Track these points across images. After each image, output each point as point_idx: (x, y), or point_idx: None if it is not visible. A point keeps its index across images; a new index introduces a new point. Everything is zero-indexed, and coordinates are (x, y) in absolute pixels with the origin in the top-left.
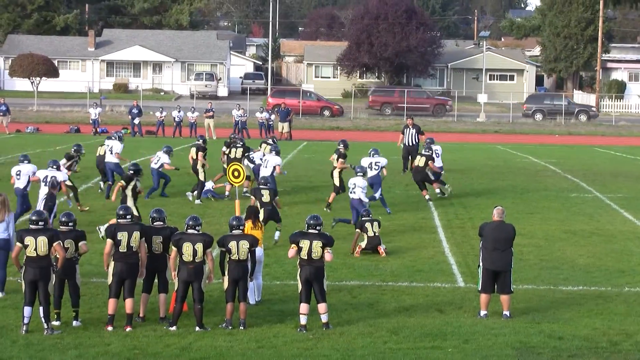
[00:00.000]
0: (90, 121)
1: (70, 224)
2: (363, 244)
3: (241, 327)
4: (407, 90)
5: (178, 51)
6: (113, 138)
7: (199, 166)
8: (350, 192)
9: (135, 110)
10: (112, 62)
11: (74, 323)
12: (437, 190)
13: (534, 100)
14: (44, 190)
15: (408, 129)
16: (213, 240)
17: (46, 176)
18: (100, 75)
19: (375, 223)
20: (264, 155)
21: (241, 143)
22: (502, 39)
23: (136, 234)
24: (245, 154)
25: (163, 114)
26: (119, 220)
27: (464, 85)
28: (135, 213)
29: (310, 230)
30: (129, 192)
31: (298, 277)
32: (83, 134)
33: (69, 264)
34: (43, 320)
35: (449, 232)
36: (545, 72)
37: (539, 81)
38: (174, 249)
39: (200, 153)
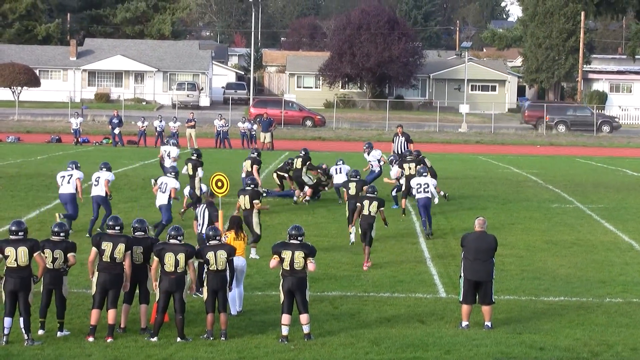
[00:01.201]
0: (72, 131)
1: (61, 234)
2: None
3: (222, 338)
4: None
5: (160, 61)
6: (170, 144)
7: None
8: (418, 192)
9: (115, 120)
10: (93, 71)
11: (58, 334)
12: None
13: (557, 111)
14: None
15: (397, 137)
16: (195, 251)
17: (98, 177)
18: (81, 84)
19: (375, 203)
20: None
21: (303, 153)
22: (484, 50)
23: (121, 246)
24: (307, 163)
25: (145, 124)
26: (107, 230)
27: (446, 96)
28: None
29: (292, 241)
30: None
31: (280, 288)
32: (64, 144)
33: (57, 274)
34: (23, 331)
35: (431, 243)
36: (526, 83)
37: (521, 92)
38: (155, 259)
39: (255, 166)
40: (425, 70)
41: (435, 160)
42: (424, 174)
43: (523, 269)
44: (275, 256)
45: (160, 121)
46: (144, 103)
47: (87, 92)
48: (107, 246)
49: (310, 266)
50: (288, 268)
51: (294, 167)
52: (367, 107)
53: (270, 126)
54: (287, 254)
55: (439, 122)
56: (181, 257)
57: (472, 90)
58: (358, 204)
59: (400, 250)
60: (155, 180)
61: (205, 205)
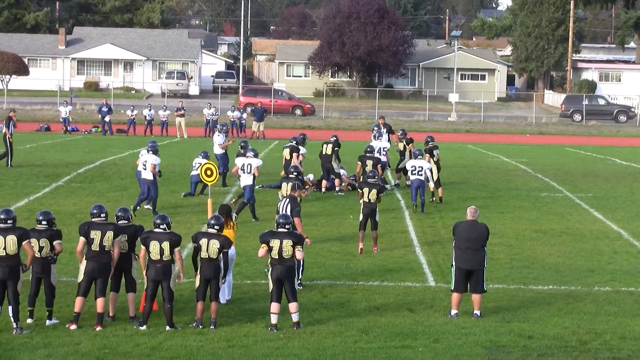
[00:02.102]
0: (61, 119)
1: (44, 222)
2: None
3: (212, 327)
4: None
5: (149, 49)
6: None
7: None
8: (412, 174)
9: (105, 109)
10: (82, 60)
11: (47, 322)
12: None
13: (573, 101)
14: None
15: (379, 128)
16: (181, 239)
17: (145, 161)
18: (70, 73)
19: (374, 190)
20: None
21: (334, 139)
22: (474, 39)
23: (109, 234)
24: (336, 149)
25: (134, 113)
26: (92, 219)
27: (436, 85)
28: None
29: (280, 230)
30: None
31: (269, 276)
32: (53, 132)
33: (44, 262)
34: (12, 320)
35: (420, 232)
36: (516, 72)
37: (510, 81)
38: (142, 247)
39: (294, 154)
40: (415, 59)
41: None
42: (419, 156)
43: (512, 257)
44: (263, 245)
45: (150, 110)
46: (133, 92)
47: (76, 81)
48: (95, 235)
49: (298, 254)
50: (277, 257)
51: (324, 152)
52: (356, 96)
53: (263, 115)
54: (275, 243)
55: (429, 111)
56: (166, 245)
57: (461, 79)
58: (359, 190)
59: (389, 239)
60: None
61: (288, 199)
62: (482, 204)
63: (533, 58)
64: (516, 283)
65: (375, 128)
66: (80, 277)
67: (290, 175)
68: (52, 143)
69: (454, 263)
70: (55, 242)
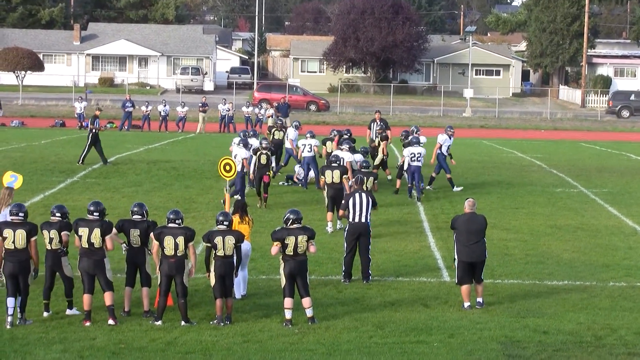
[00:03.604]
0: (76, 115)
1: (57, 215)
2: None
3: (227, 322)
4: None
5: (164, 45)
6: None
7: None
8: (412, 161)
9: (129, 104)
10: (97, 56)
11: (68, 311)
12: (389, 177)
13: (621, 97)
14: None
15: (375, 123)
16: (195, 234)
17: (235, 155)
18: (85, 69)
19: (371, 178)
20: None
21: (335, 133)
22: (488, 34)
23: (96, 231)
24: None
25: (149, 109)
26: (87, 215)
27: (450, 80)
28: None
29: (292, 225)
30: None
31: (282, 272)
32: (68, 128)
33: (54, 255)
34: (18, 310)
35: (435, 227)
36: (531, 67)
37: (525, 76)
38: (155, 242)
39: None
40: (430, 54)
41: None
42: (416, 144)
43: (527, 253)
44: (276, 243)
45: (165, 105)
46: (148, 87)
47: (90, 77)
48: (83, 232)
49: (312, 248)
50: (291, 253)
51: (327, 150)
52: (371, 92)
53: (288, 111)
54: (291, 240)
55: (443, 106)
56: (180, 240)
57: (476, 74)
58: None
59: (404, 235)
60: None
61: (364, 192)
62: (497, 200)
63: (548, 53)
64: (531, 278)
65: (414, 139)
66: (80, 274)
67: (333, 164)
68: (68, 139)
69: (456, 257)
70: (62, 233)
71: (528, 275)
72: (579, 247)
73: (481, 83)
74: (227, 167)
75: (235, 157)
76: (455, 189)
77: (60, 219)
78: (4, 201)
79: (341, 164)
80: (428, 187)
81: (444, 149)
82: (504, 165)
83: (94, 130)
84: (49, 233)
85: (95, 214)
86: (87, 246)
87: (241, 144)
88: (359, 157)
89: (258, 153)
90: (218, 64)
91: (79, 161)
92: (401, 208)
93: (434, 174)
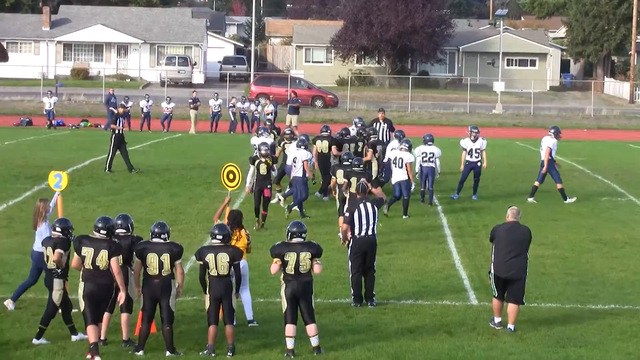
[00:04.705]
0: (44, 112)
1: (58, 229)
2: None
3: (229, 354)
4: None
5: (147, 31)
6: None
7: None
8: (423, 161)
9: (113, 100)
10: (69, 43)
11: (73, 338)
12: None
13: None
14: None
15: (378, 124)
16: (182, 250)
17: (295, 157)
18: (56, 59)
19: (362, 179)
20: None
21: (328, 132)
22: (522, 18)
23: (103, 253)
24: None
25: (129, 105)
26: (94, 233)
27: (478, 72)
28: None
29: (294, 240)
30: None
31: (282, 294)
32: (36, 127)
33: (49, 274)
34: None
35: (460, 242)
36: (571, 57)
37: (565, 67)
38: (137, 260)
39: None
40: (454, 42)
41: None
42: (430, 142)
43: (567, 272)
44: (276, 260)
45: (147, 101)
46: (128, 80)
47: (62, 68)
48: (87, 252)
49: (317, 268)
50: (293, 272)
51: (319, 151)
52: (386, 85)
53: (298, 107)
54: (291, 257)
55: (470, 102)
56: (165, 258)
57: (508, 65)
58: (345, 180)
59: (425, 251)
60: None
61: (363, 200)
62: (532, 210)
63: (591, 41)
64: (572, 301)
65: (428, 137)
66: (81, 304)
67: (346, 163)
68: (35, 139)
69: (492, 270)
70: (56, 251)
71: (568, 297)
72: (628, 265)
73: (514, 75)
74: (231, 176)
75: (294, 161)
76: (569, 200)
77: (59, 234)
78: (40, 215)
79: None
80: (531, 199)
81: (553, 153)
82: None
83: (117, 131)
84: (46, 249)
85: (102, 231)
86: (91, 268)
87: (302, 146)
88: (304, 152)
89: (257, 162)
90: (209, 53)
91: (106, 169)
92: (420, 219)
93: (537, 184)
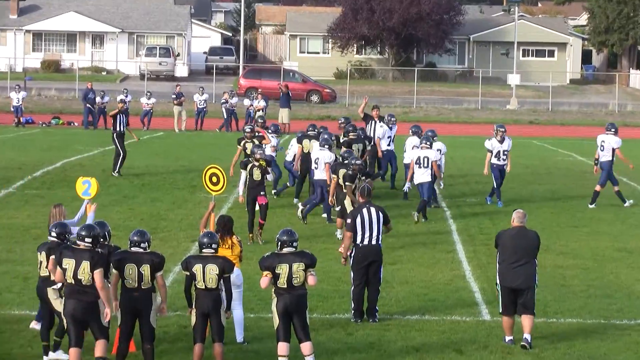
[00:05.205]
0: (12, 108)
1: (53, 234)
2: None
3: None
4: None
5: (124, 19)
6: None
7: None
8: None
9: (91, 96)
10: (39, 33)
11: (51, 355)
12: None
13: None
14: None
15: (373, 122)
16: (164, 261)
17: (317, 158)
18: (24, 49)
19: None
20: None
21: (315, 131)
22: (539, 4)
23: (85, 264)
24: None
25: (105, 100)
26: (78, 242)
27: (491, 64)
28: None
29: (285, 250)
30: None
31: (274, 309)
32: (2, 125)
33: (42, 282)
34: None
35: (471, 250)
36: (593, 47)
37: (586, 58)
38: (114, 272)
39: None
40: (464, 30)
41: (476, 146)
42: (435, 137)
43: (589, 284)
44: (266, 273)
45: (126, 96)
46: (104, 73)
47: (31, 60)
48: (68, 264)
49: (311, 279)
50: (285, 285)
51: (305, 151)
52: (389, 78)
53: (289, 101)
54: (283, 269)
55: (482, 97)
56: (145, 269)
57: (523, 56)
58: (334, 176)
59: (432, 261)
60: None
61: (372, 206)
62: (551, 216)
63: (615, 29)
64: (594, 317)
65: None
66: (64, 321)
67: (346, 162)
68: (2, 138)
69: (498, 281)
70: (51, 257)
71: (591, 312)
72: None
73: (530, 67)
74: (214, 179)
75: (316, 162)
76: (628, 203)
77: (55, 239)
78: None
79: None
80: (591, 205)
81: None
82: (560, 171)
83: (117, 130)
84: (40, 255)
85: (87, 240)
86: (73, 283)
87: (326, 145)
88: (328, 153)
89: (249, 166)
90: (194, 42)
91: (115, 171)
92: (427, 226)
93: (598, 188)
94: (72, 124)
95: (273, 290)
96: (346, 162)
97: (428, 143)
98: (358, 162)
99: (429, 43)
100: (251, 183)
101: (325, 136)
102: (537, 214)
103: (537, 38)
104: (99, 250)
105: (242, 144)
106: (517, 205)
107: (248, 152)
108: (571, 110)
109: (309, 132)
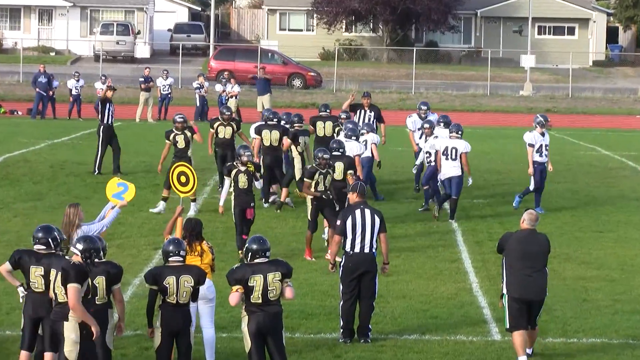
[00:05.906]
0: None
1: (41, 242)
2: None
3: None
4: None
5: None
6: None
7: None
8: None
9: (43, 79)
10: None
11: None
12: None
13: None
14: None
15: (363, 112)
16: (122, 272)
17: None
18: None
19: (341, 165)
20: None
21: (286, 122)
22: None
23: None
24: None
25: (55, 85)
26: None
27: (501, 43)
28: None
29: (258, 260)
30: None
31: (245, 330)
32: None
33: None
34: None
35: (479, 259)
36: (620, 23)
37: (612, 36)
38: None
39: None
40: (470, 4)
41: (486, 137)
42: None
43: (616, 298)
44: (236, 287)
45: (77, 80)
46: (53, 54)
47: None
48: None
49: (288, 292)
50: (260, 300)
51: (271, 142)
52: (383, 60)
53: (268, 87)
54: (257, 280)
55: (491, 81)
56: (100, 281)
57: (539, 34)
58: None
59: (433, 271)
60: None
61: (367, 208)
62: (571, 219)
63: None
64: (622, 336)
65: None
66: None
67: (335, 153)
68: None
69: (505, 292)
70: None
71: (617, 331)
72: None
73: (547, 46)
74: (183, 178)
75: None
76: None
77: (44, 247)
78: (72, 225)
79: (345, 153)
80: None
81: None
82: (582, 167)
83: (105, 122)
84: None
85: (48, 242)
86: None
87: (352, 136)
88: (356, 145)
89: (234, 172)
90: (157, 18)
91: (95, 170)
92: (428, 231)
93: None
94: (15, 113)
95: (243, 307)
96: (335, 154)
97: (459, 132)
98: (326, 155)
99: (430, 19)
100: (237, 191)
101: (350, 125)
102: (555, 217)
103: (554, 13)
104: (61, 254)
105: (171, 137)
106: (531, 205)
107: (179, 146)
108: (594, 96)
109: (268, 122)
